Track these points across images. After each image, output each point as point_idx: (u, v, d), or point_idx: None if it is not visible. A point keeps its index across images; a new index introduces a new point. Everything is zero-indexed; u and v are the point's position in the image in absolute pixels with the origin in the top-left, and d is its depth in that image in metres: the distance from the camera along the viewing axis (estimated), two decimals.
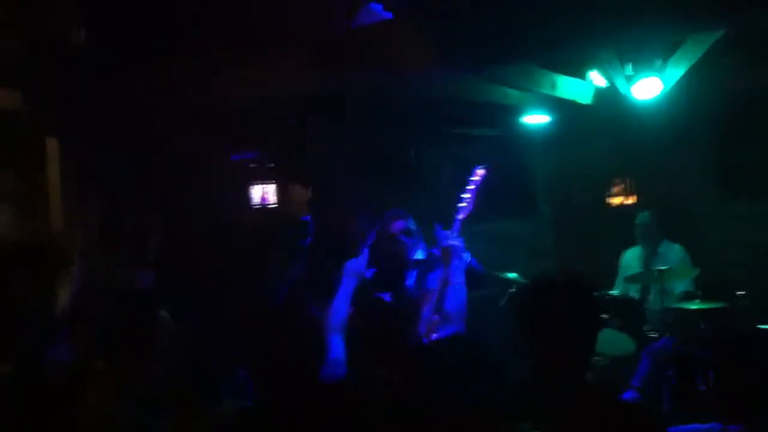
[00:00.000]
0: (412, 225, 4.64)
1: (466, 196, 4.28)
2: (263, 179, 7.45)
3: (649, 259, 6.35)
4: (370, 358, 2.77)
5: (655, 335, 5.84)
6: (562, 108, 6.95)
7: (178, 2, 4.95)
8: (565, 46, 4.60)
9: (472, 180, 4.29)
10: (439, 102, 6.43)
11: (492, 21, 4.34)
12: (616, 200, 7.94)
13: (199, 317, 3.84)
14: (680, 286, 5.98)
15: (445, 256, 3.93)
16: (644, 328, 5.98)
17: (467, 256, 4.17)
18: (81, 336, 3.26)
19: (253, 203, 7.40)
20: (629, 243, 6.56)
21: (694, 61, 6.12)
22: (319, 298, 4.51)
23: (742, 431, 2.48)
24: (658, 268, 5.92)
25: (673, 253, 6.29)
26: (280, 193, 7.33)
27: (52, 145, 4.70)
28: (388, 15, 4.62)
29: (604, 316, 5.70)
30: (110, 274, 4.42)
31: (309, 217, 4.78)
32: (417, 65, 4.60)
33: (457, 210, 4.24)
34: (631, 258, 6.50)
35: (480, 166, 4.33)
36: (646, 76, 6.17)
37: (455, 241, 4.03)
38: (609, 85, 6.69)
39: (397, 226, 4.52)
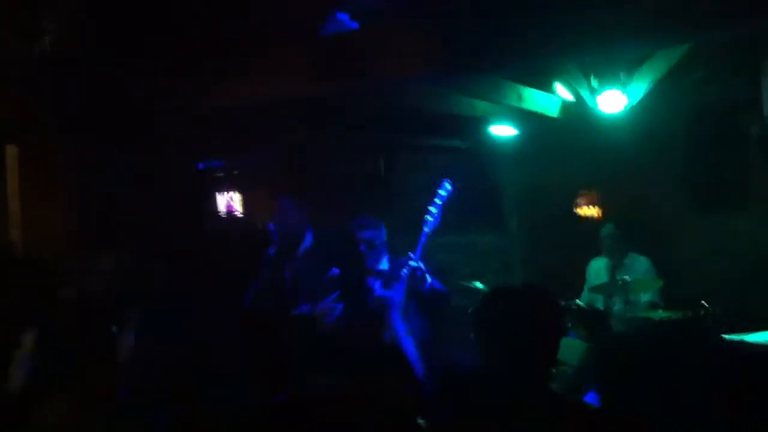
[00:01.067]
0: (380, 235, 4.65)
1: (433, 210, 4.31)
2: (229, 188, 7.43)
3: (614, 269, 6.39)
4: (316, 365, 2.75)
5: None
6: (529, 120, 7.00)
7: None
8: (529, 59, 4.62)
9: (439, 194, 4.31)
10: (409, 111, 6.44)
11: (457, 32, 4.35)
12: (583, 212, 7.99)
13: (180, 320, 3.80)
14: (644, 297, 6.04)
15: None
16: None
17: (427, 281, 4.22)
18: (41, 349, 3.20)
19: (218, 211, 7.36)
20: (597, 254, 6.60)
21: (659, 76, 6.19)
22: (283, 304, 4.51)
23: None
24: (623, 278, 5.97)
25: (639, 264, 6.34)
26: (246, 201, 7.30)
27: (11, 151, 4.62)
28: (354, 25, 4.63)
29: (569, 325, 5.73)
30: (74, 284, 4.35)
31: (272, 225, 4.75)
32: (386, 74, 4.60)
33: (424, 223, 4.27)
34: (598, 268, 6.55)
35: (447, 181, 4.36)
36: (611, 89, 6.24)
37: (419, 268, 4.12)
38: (575, 98, 6.75)
39: (362, 234, 4.52)
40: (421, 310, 4.42)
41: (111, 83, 4.70)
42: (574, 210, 7.90)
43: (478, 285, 6.31)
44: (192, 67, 4.89)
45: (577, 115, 6.78)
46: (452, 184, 4.36)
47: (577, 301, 6.25)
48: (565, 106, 6.93)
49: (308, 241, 4.81)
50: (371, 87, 5.03)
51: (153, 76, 4.83)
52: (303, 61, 4.67)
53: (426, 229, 4.30)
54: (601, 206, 7.84)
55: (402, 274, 4.27)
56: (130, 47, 4.73)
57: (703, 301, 5.61)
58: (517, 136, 7.42)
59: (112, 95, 4.79)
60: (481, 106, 6.81)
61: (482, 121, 7.22)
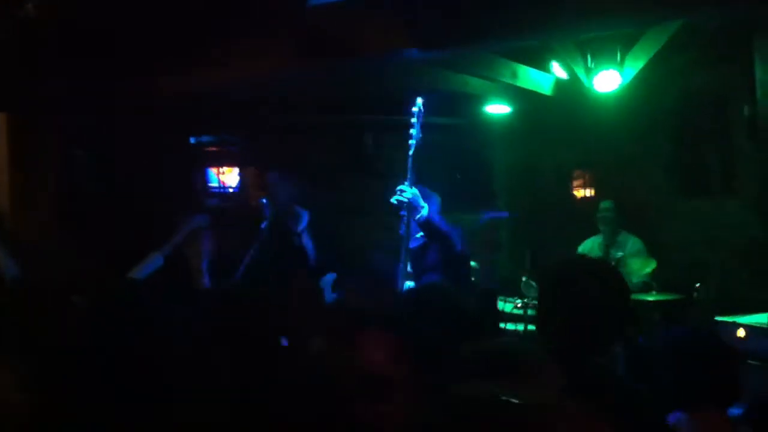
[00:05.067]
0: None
1: (413, 132, 4.28)
2: (222, 163, 7.39)
3: (608, 246, 6.40)
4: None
5: None
6: (523, 98, 6.97)
7: None
8: (523, 35, 4.59)
9: (413, 112, 4.29)
10: (398, 89, 6.39)
11: (451, 6, 4.31)
12: (574, 192, 7.99)
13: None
14: (636, 278, 6.04)
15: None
16: None
17: (425, 210, 4.20)
18: None
19: (211, 187, 7.33)
20: (587, 234, 6.60)
21: (651, 55, 6.17)
22: (274, 278, 4.48)
23: (687, 420, 2.50)
24: (616, 254, 5.98)
25: (631, 244, 6.37)
26: (241, 177, 7.27)
27: (1, 122, 4.56)
28: None
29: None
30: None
31: (265, 200, 4.73)
32: (376, 49, 4.56)
33: (408, 148, 4.26)
34: (591, 246, 6.55)
35: (419, 98, 4.32)
36: (606, 69, 6.22)
37: (409, 195, 4.10)
38: (570, 76, 6.72)
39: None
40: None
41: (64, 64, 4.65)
42: (566, 189, 7.90)
43: (473, 264, 6.30)
44: (174, 48, 4.83)
45: (570, 93, 6.75)
46: (423, 102, 4.33)
47: None
48: (559, 84, 6.90)
49: (305, 219, 4.78)
50: (354, 65, 4.98)
51: (135, 58, 4.77)
52: (284, 41, 4.62)
53: (410, 152, 4.29)
54: (592, 186, 7.85)
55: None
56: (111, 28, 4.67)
57: (697, 284, 5.64)
58: (509, 114, 7.38)
59: (93, 72, 4.73)
60: (473, 83, 6.77)
61: (475, 99, 7.19)
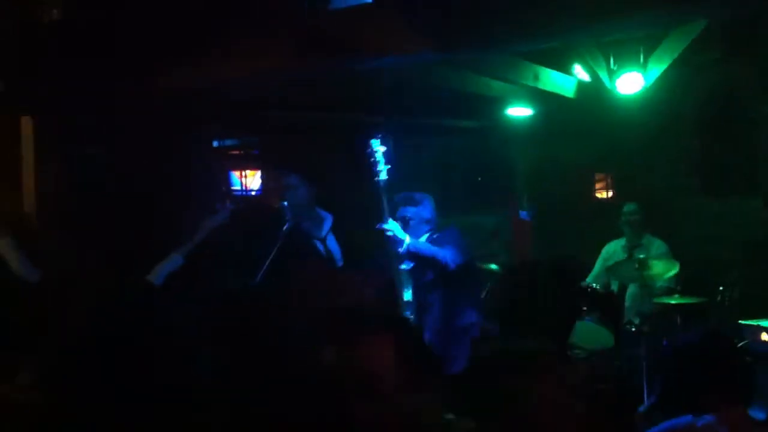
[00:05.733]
0: (421, 211, 4.68)
1: (380, 169, 4.34)
2: (245, 166, 7.45)
3: (632, 249, 6.35)
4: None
5: (633, 329, 5.84)
6: (545, 101, 6.94)
7: None
8: (545, 37, 4.57)
9: (373, 154, 4.34)
10: (419, 91, 6.40)
11: (473, 7, 4.30)
12: (596, 194, 7.95)
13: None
14: (660, 282, 5.98)
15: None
16: (622, 322, 5.98)
17: (403, 243, 4.34)
18: None
19: (234, 190, 7.38)
20: (609, 236, 6.56)
21: (675, 56, 6.12)
22: (294, 282, 4.51)
23: (715, 422, 2.49)
24: (640, 256, 5.93)
25: (656, 247, 6.30)
26: (263, 180, 7.32)
27: (26, 123, 4.64)
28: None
29: (583, 308, 5.70)
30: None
31: (286, 203, 4.75)
32: (397, 52, 4.56)
33: (377, 188, 4.33)
34: (614, 249, 6.51)
35: (374, 141, 4.38)
36: (629, 71, 6.18)
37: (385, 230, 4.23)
38: (592, 79, 6.69)
39: (400, 212, 4.59)
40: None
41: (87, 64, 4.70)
42: (588, 191, 7.86)
43: (493, 267, 6.30)
44: (175, 46, 4.86)
45: (593, 95, 6.71)
46: (382, 140, 4.40)
47: (592, 283, 6.22)
48: (581, 87, 6.86)
49: (329, 222, 4.81)
50: (362, 66, 4.99)
51: (138, 56, 4.81)
52: (288, 40, 4.63)
53: (379, 187, 4.36)
54: (615, 188, 7.80)
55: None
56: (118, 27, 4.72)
57: (720, 287, 5.57)
58: (531, 116, 7.36)
59: (91, 76, 4.77)
60: (496, 85, 6.76)
61: (496, 102, 7.17)
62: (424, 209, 4.69)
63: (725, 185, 6.86)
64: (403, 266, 4.50)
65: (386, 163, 4.39)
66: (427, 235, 4.66)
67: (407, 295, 4.48)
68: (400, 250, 4.35)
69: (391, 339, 1.97)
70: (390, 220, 4.35)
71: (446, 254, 4.42)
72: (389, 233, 4.32)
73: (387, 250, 4.46)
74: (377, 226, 4.34)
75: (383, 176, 4.36)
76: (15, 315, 3.34)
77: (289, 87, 5.83)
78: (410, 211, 4.64)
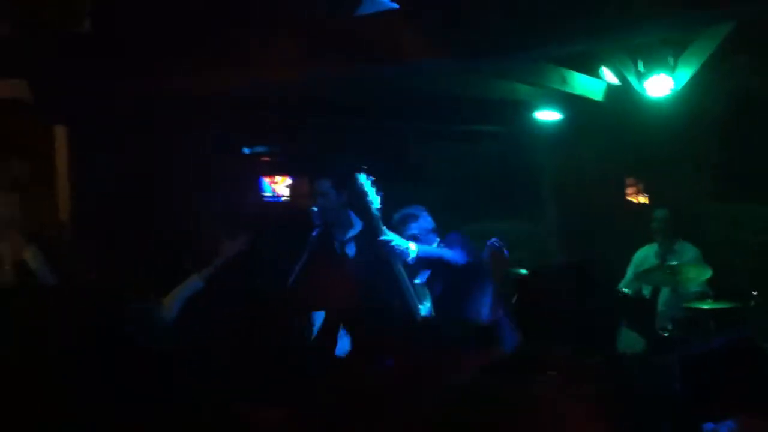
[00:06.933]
0: (422, 223, 4.73)
1: (371, 200, 4.38)
2: (275, 172, 7.51)
3: (665, 255, 6.28)
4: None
5: (666, 335, 5.78)
6: (573, 104, 6.90)
7: None
8: (572, 41, 4.56)
9: (362, 189, 4.38)
10: (445, 98, 6.40)
11: (498, 13, 4.31)
12: (626, 199, 7.88)
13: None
14: (693, 287, 5.93)
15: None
16: (655, 327, 5.92)
17: (409, 252, 4.37)
18: None
19: (264, 196, 7.44)
20: (639, 241, 6.51)
21: (704, 59, 6.08)
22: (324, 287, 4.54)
23: (736, 430, 2.47)
24: (672, 263, 5.87)
25: (688, 252, 6.23)
26: (292, 186, 7.36)
27: (60, 133, 4.71)
28: (393, 5, 4.58)
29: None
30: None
31: (316, 208, 4.77)
32: (422, 57, 4.57)
33: (372, 220, 4.38)
34: (646, 254, 6.45)
35: (359, 175, 4.42)
36: (658, 74, 6.14)
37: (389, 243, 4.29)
38: (620, 82, 6.65)
39: (406, 231, 4.62)
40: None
41: (115, 74, 4.73)
42: (617, 195, 7.79)
43: (522, 271, 6.27)
44: (188, 51, 4.88)
45: (621, 99, 6.67)
46: (366, 175, 4.45)
47: (624, 288, 6.17)
48: (610, 90, 6.82)
49: (358, 226, 4.84)
50: (404, 74, 5.01)
51: (150, 63, 4.83)
52: (303, 45, 4.65)
53: (374, 211, 4.40)
54: (644, 192, 7.73)
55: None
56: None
57: (754, 292, 5.50)
58: (559, 120, 7.32)
59: (118, 85, 4.80)
60: (522, 89, 6.74)
61: (523, 106, 7.14)
62: (424, 221, 4.77)
63: (756, 190, 6.78)
64: (417, 280, 4.53)
65: (377, 193, 4.44)
66: (435, 244, 4.72)
67: (424, 309, 4.50)
68: (410, 260, 4.37)
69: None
70: (388, 232, 4.38)
71: (453, 254, 4.49)
72: (392, 243, 4.34)
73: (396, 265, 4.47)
74: (378, 240, 4.35)
75: (377, 204, 4.42)
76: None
77: (316, 91, 5.85)
78: (414, 228, 4.71)
